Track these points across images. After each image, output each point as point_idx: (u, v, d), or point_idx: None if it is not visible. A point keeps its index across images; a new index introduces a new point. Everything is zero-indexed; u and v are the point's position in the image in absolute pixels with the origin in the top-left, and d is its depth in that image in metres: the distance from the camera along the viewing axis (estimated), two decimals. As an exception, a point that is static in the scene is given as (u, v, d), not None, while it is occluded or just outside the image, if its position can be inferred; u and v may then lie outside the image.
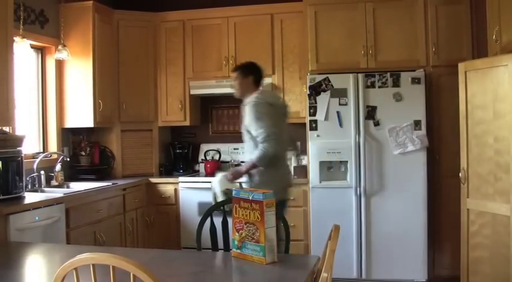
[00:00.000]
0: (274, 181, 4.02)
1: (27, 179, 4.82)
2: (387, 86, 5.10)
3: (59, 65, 5.55)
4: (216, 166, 6.11)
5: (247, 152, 4.33)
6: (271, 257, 2.61)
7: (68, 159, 5.60)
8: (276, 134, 4.04)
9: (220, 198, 4.15)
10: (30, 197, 4.29)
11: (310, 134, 5.23)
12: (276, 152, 4.03)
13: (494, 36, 4.20)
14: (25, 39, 4.82)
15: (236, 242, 2.73)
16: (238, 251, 2.71)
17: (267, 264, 2.58)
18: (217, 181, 4.31)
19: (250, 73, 4.46)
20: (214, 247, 3.24)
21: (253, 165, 4.16)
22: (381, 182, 5.11)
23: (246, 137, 4.30)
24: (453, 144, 4.68)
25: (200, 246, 3.12)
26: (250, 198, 2.65)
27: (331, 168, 5.27)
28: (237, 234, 2.72)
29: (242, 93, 4.47)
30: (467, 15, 5.18)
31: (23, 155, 4.34)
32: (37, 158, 5.11)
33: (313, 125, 5.22)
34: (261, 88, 4.52)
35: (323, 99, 5.19)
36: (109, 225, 5.04)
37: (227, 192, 4.08)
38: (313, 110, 5.21)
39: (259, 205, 2.60)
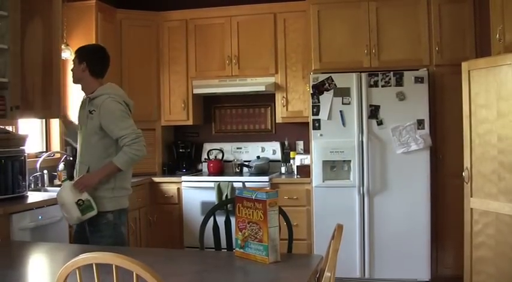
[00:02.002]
0: (128, 187, 3.83)
1: (30, 178, 4.83)
2: (390, 85, 5.09)
3: (62, 64, 5.55)
4: (219, 165, 6.11)
5: (93, 156, 3.68)
6: (274, 256, 2.60)
7: (71, 159, 5.59)
8: (142, 135, 3.67)
9: (73, 212, 3.53)
10: (33, 197, 4.30)
11: (313, 133, 5.23)
12: (144, 154, 3.67)
13: (497, 35, 4.18)
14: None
15: (239, 242, 2.73)
16: (242, 250, 2.71)
17: (270, 264, 2.57)
18: (65, 193, 3.58)
19: (84, 59, 3.77)
20: (217, 246, 3.24)
21: (115, 170, 3.62)
22: (384, 182, 5.10)
23: (92, 138, 3.67)
24: (456, 144, 4.67)
25: (203, 246, 3.12)
26: (253, 197, 2.65)
27: (334, 168, 5.26)
28: (240, 233, 2.72)
29: (78, 82, 3.83)
30: (470, 14, 5.17)
31: (26, 154, 4.35)
32: (40, 157, 5.11)
33: (316, 124, 5.21)
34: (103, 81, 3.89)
35: (326, 98, 5.19)
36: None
37: (81, 204, 3.51)
38: (316, 109, 5.21)
39: (262, 204, 2.60)
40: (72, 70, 3.82)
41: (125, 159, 3.58)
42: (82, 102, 3.82)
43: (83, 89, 3.83)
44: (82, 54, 3.79)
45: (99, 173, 3.61)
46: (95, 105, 3.64)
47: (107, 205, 3.62)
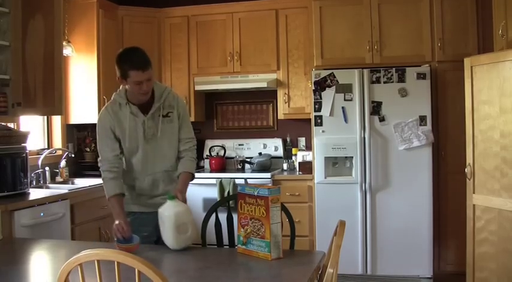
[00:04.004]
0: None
1: (32, 175, 4.83)
2: (392, 82, 5.08)
3: (64, 61, 5.54)
4: (221, 162, 6.11)
5: (170, 160, 3.40)
6: (276, 253, 2.61)
7: (73, 156, 5.60)
8: None
9: (191, 231, 2.97)
10: (35, 193, 4.30)
11: (315, 130, 5.22)
12: None
13: (500, 31, 4.17)
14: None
15: (242, 238, 2.73)
16: (244, 247, 2.71)
17: (272, 260, 2.57)
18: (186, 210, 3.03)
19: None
20: (219, 243, 3.24)
21: (191, 178, 3.38)
22: (386, 178, 5.09)
23: (172, 142, 3.40)
24: (459, 140, 4.66)
25: (205, 243, 3.12)
26: (256, 194, 2.65)
27: (336, 164, 5.25)
28: (242, 230, 2.72)
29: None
30: (473, 10, 5.15)
31: (27, 151, 4.36)
32: (42, 154, 5.11)
33: (318, 121, 5.20)
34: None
35: (328, 94, 5.18)
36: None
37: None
38: (318, 105, 5.20)
39: (264, 201, 2.60)
40: (151, 84, 3.24)
41: (194, 166, 3.42)
42: (132, 114, 3.29)
43: (145, 100, 3.30)
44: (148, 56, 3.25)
45: (186, 186, 3.28)
46: (168, 106, 3.34)
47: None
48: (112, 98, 3.38)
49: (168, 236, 2.84)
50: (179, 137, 3.40)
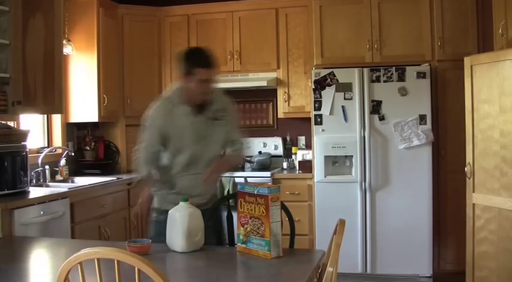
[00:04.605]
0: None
1: (32, 173, 4.83)
2: (392, 81, 5.08)
3: (64, 59, 5.54)
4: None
5: (211, 162, 3.33)
6: (276, 251, 2.61)
7: (73, 154, 5.60)
8: None
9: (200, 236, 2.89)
10: (34, 192, 4.30)
11: (315, 129, 5.22)
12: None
13: (500, 30, 4.17)
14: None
15: (241, 237, 2.73)
16: (244, 245, 2.71)
17: (272, 259, 2.58)
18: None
19: None
20: (219, 242, 3.23)
21: (230, 164, 3.44)
22: (386, 177, 5.10)
23: (219, 144, 3.43)
24: (459, 139, 4.66)
25: (205, 241, 3.12)
26: (255, 192, 2.65)
27: (336, 163, 5.25)
28: (242, 228, 2.72)
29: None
30: (473, 9, 5.15)
31: (27, 149, 4.35)
32: (42, 152, 5.11)
33: (318, 120, 5.20)
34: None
35: (328, 93, 5.18)
36: (114, 220, 5.05)
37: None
38: (318, 104, 5.20)
39: (264, 199, 2.60)
40: (211, 86, 3.26)
41: (237, 159, 3.46)
42: (185, 114, 3.27)
43: (207, 101, 3.29)
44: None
45: (221, 167, 3.33)
46: (221, 110, 3.34)
47: None
48: (167, 95, 3.38)
49: (178, 238, 2.77)
50: (229, 139, 3.40)
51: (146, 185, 3.38)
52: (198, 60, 3.17)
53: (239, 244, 2.75)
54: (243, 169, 5.95)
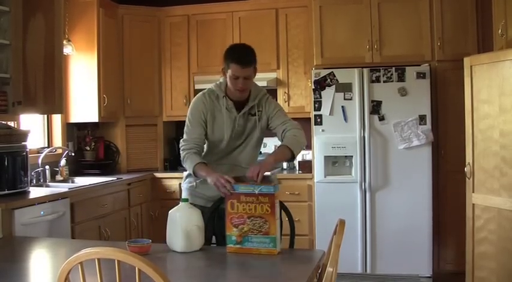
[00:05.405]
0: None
1: (32, 174, 4.83)
2: (392, 81, 5.08)
3: (64, 59, 5.55)
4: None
5: (247, 158, 3.44)
6: (279, 247, 2.66)
7: (73, 154, 5.61)
8: None
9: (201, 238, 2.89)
10: (35, 192, 4.30)
11: (315, 129, 5.22)
12: (305, 143, 3.34)
13: (500, 31, 4.18)
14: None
15: (234, 238, 2.72)
16: (238, 246, 2.71)
17: (275, 257, 2.60)
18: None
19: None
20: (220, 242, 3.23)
21: (287, 156, 3.29)
22: (386, 177, 5.10)
23: (259, 141, 3.47)
24: (458, 139, 4.66)
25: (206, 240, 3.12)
26: (257, 192, 2.66)
27: (336, 163, 5.26)
28: (235, 229, 2.71)
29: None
30: (472, 10, 5.16)
31: (27, 149, 4.35)
32: (42, 152, 5.11)
33: (318, 120, 5.20)
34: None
35: (328, 93, 5.18)
36: (114, 220, 5.05)
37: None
38: (318, 104, 5.20)
39: (268, 198, 2.63)
40: (248, 83, 3.24)
41: (296, 143, 3.22)
42: (227, 109, 3.30)
43: (241, 98, 3.30)
44: (256, 56, 3.26)
45: (274, 158, 3.22)
46: (255, 105, 3.33)
47: None
48: (211, 88, 3.40)
49: (178, 238, 2.76)
50: (274, 125, 3.34)
51: (207, 167, 3.14)
52: (232, 56, 3.20)
53: (231, 245, 2.73)
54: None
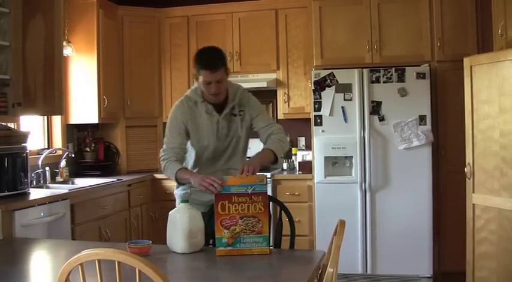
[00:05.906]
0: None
1: (32, 175, 4.83)
2: (392, 81, 5.08)
3: (64, 61, 5.55)
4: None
5: (236, 159, 3.42)
6: (269, 244, 2.68)
7: (73, 156, 5.61)
8: None
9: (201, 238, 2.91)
10: (35, 193, 4.30)
11: (315, 129, 5.22)
12: (288, 148, 3.39)
13: (499, 31, 4.18)
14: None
15: (225, 240, 2.69)
16: (229, 248, 2.68)
17: (271, 258, 2.60)
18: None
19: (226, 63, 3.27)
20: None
21: (270, 159, 3.24)
22: (386, 177, 5.10)
23: (245, 141, 3.45)
24: (458, 139, 4.66)
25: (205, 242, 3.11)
26: (250, 191, 2.65)
27: (336, 164, 5.26)
28: (226, 231, 2.68)
29: (224, 94, 3.30)
30: (472, 10, 5.16)
31: (27, 151, 4.35)
32: (42, 154, 5.11)
33: (318, 120, 5.20)
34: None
35: (328, 94, 5.18)
36: (114, 221, 5.05)
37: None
38: (318, 105, 5.20)
39: (261, 197, 2.63)
40: (222, 87, 3.21)
41: (279, 148, 3.23)
42: (207, 113, 3.28)
43: (217, 101, 3.28)
44: (224, 58, 3.26)
45: (259, 161, 3.11)
46: (236, 105, 3.32)
47: None
48: (187, 94, 3.38)
49: (178, 239, 2.76)
50: (258, 127, 3.35)
51: (188, 171, 3.20)
52: (200, 62, 3.18)
53: (221, 248, 2.69)
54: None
